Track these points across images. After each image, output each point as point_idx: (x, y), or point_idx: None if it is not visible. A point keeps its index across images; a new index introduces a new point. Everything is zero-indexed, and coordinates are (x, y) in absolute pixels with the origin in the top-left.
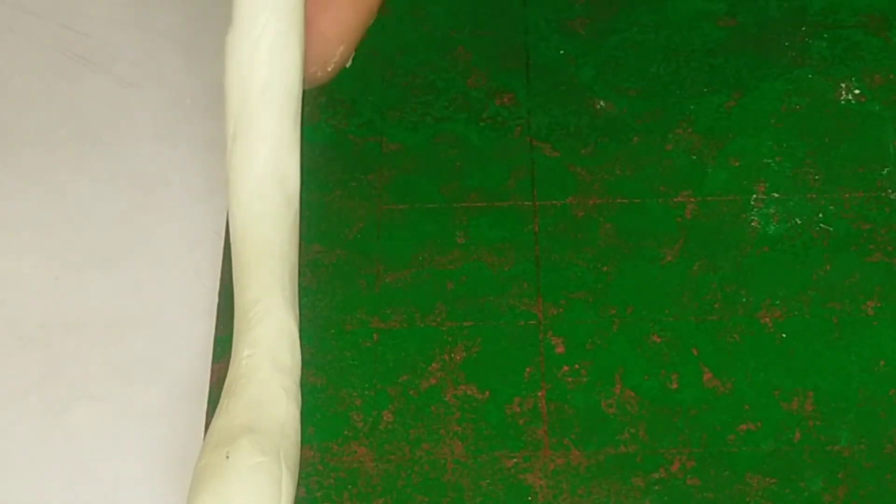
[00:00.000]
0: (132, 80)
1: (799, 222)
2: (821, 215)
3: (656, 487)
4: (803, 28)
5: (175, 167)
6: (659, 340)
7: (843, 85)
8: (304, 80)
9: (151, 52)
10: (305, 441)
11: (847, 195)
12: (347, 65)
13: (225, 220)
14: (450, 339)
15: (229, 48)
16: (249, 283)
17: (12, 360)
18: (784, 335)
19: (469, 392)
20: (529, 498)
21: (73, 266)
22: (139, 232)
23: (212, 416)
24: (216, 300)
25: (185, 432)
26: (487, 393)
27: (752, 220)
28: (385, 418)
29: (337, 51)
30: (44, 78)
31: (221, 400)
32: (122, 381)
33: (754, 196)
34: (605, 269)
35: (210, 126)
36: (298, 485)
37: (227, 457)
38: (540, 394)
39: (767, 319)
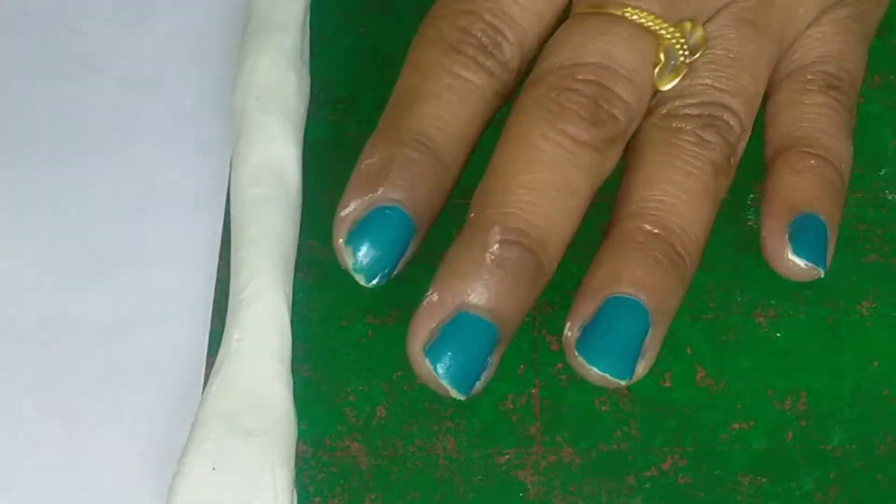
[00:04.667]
0: (132, 80)
1: None
2: None
3: (648, 485)
4: None
5: (174, 168)
6: None
7: None
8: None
9: (151, 53)
10: (298, 435)
11: None
12: None
13: (222, 221)
14: None
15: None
16: (242, 264)
17: (12, 360)
18: (778, 335)
19: None
20: (521, 494)
21: (72, 266)
22: (138, 232)
23: None
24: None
25: (183, 430)
26: None
27: (749, 220)
28: (378, 414)
29: None
30: (44, 78)
31: (211, 379)
32: (120, 380)
33: (751, 196)
34: None
35: (210, 127)
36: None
37: (213, 469)
38: (533, 391)
39: (762, 319)
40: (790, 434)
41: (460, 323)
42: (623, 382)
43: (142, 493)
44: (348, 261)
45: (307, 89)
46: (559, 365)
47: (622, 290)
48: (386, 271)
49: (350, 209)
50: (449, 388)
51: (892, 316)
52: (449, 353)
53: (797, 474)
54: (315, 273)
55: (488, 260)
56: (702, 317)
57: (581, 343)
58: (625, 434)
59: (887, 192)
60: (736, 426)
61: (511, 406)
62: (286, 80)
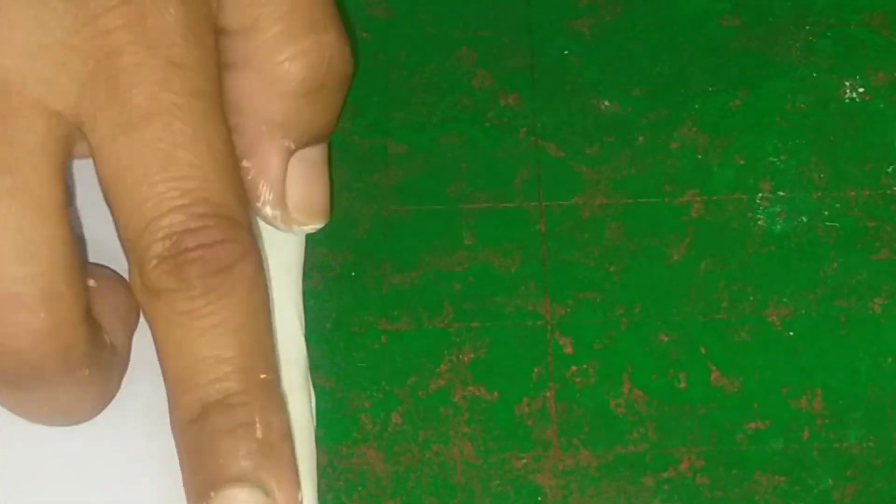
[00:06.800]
0: None
1: (805, 220)
2: (827, 213)
3: (666, 486)
4: (807, 27)
5: None
6: (666, 339)
7: (847, 83)
8: None
9: None
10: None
11: (852, 193)
12: None
13: None
14: (457, 339)
15: None
16: None
17: None
18: (791, 333)
19: (477, 393)
20: (539, 498)
21: None
22: None
23: None
24: None
25: None
26: (496, 394)
27: (759, 219)
28: (394, 420)
29: None
30: None
31: None
32: (133, 382)
33: (760, 194)
34: (611, 268)
35: None
36: None
37: None
38: (548, 394)
39: (775, 317)
40: (806, 432)
41: None
42: None
43: (150, 493)
44: None
45: None
46: (573, 368)
47: None
48: None
49: None
50: None
51: None
52: None
53: (814, 473)
54: (325, 279)
55: None
56: (714, 316)
57: None
58: (641, 436)
59: None
60: (752, 425)
61: (526, 410)
62: None
